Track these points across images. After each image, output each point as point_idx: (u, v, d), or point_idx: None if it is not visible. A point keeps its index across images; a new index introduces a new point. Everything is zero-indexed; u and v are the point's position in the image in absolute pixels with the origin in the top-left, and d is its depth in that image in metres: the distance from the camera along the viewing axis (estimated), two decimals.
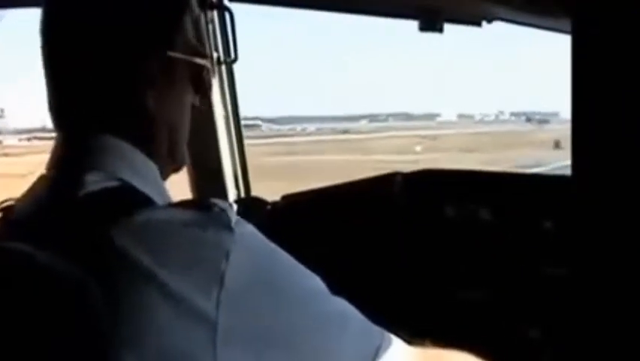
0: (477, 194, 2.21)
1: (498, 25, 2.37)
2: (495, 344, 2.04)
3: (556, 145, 32.99)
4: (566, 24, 2.16)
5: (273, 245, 0.95)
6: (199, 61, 1.11)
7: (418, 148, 30.05)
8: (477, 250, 2.15)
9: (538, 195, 2.12)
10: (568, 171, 0.96)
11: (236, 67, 2.65)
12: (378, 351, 0.97)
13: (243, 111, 2.72)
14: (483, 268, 2.13)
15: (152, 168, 1.06)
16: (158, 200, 0.98)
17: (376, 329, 1.01)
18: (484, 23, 2.24)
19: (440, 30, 2.17)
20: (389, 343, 1.00)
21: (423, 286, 2.18)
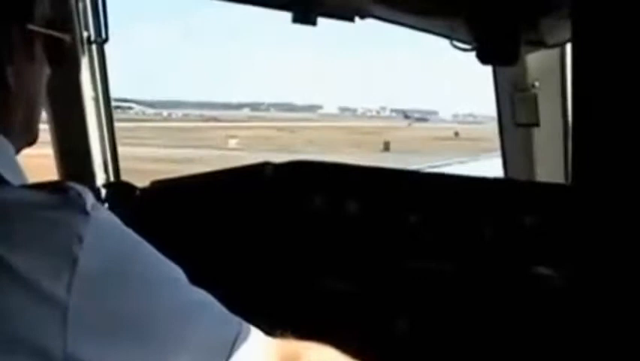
0: (346, 186, 2.22)
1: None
2: (360, 335, 2.08)
3: (385, 147, 33.28)
4: (443, 26, 2.24)
5: (130, 232, 0.91)
6: (57, 34, 1.08)
7: (233, 142, 29.84)
8: (345, 241, 2.16)
9: (406, 190, 2.17)
10: None
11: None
12: (235, 342, 0.96)
13: (118, 92, 2.65)
14: (350, 259, 2.14)
15: (7, 146, 1.01)
16: (13, 180, 0.94)
17: (235, 320, 1.00)
18: (357, 19, 2.28)
19: (313, 23, 2.19)
20: (247, 334, 0.99)
21: (289, 276, 2.19)
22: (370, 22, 2.39)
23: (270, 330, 1.09)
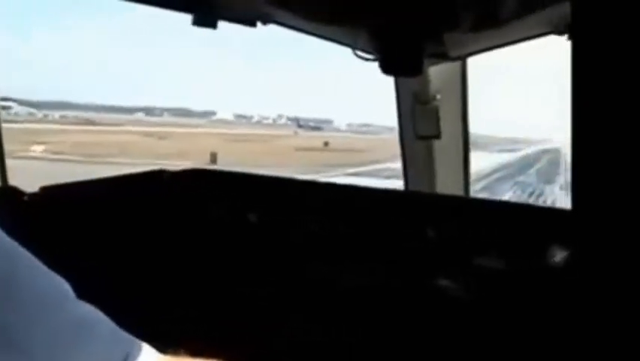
0: (244, 196, 2.18)
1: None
2: (260, 346, 2.03)
3: (212, 159, 32.43)
4: (346, 35, 2.21)
5: (12, 241, 0.85)
6: None
7: (39, 149, 29.13)
8: (243, 252, 2.12)
9: (306, 201, 2.13)
10: None
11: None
12: (126, 360, 0.91)
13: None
14: (248, 270, 2.10)
15: None
16: None
17: (125, 337, 0.94)
18: (259, 24, 2.23)
19: (214, 26, 2.13)
20: (139, 351, 0.94)
21: (184, 288, 2.12)
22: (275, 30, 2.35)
23: (163, 346, 1.05)
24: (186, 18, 2.18)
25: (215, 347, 1.13)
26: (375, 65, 2.13)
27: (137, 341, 0.95)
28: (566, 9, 1.69)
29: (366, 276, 2.02)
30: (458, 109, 2.51)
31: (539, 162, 38.52)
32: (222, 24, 2.20)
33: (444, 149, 2.58)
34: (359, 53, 2.21)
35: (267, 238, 2.11)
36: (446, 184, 2.62)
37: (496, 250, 1.91)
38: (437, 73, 2.38)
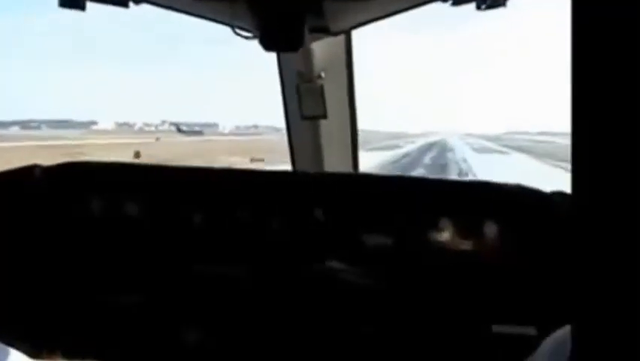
0: (123, 188, 2.07)
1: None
2: (150, 348, 1.94)
3: None
4: (223, 12, 2.12)
5: None
6: None
7: None
8: (126, 248, 2.02)
9: (190, 189, 2.05)
10: None
11: None
12: None
13: None
14: (133, 267, 2.01)
15: None
16: None
17: None
18: (131, 5, 2.11)
19: (82, 7, 2.00)
20: (6, 357, 0.86)
21: (65, 288, 2.01)
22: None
23: (36, 353, 0.96)
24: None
25: (89, 346, 1.07)
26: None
27: (4, 346, 0.88)
28: None
29: (256, 266, 1.97)
30: (344, 87, 2.46)
31: (422, 163, 36.55)
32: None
33: (331, 128, 2.52)
34: (239, 31, 2.13)
35: (151, 234, 2.02)
36: (334, 164, 2.58)
37: (386, 227, 1.88)
38: (321, 50, 2.32)
